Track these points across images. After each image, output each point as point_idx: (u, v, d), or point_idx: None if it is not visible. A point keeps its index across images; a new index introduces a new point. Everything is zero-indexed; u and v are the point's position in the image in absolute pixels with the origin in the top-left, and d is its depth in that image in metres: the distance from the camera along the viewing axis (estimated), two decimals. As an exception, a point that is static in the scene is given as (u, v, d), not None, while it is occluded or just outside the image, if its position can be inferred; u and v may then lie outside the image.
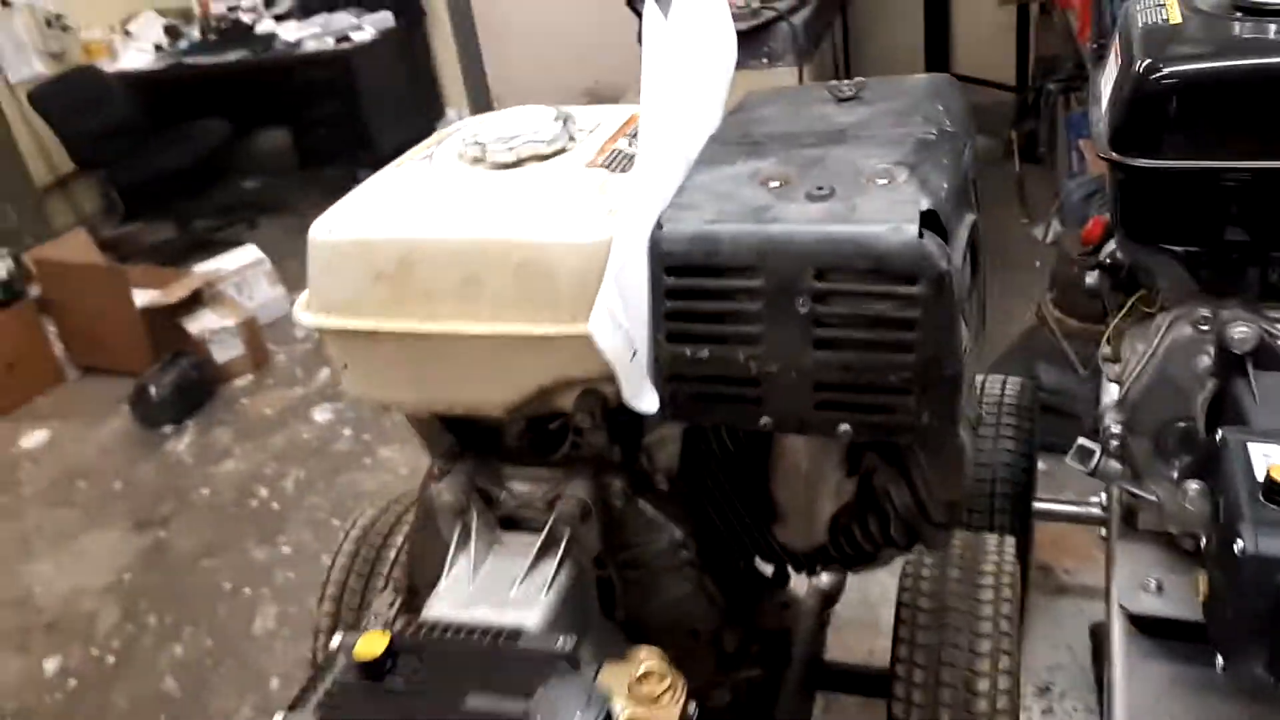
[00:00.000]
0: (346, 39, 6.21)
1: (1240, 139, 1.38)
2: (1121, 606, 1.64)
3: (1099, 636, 2.14)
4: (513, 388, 1.33)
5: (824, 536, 1.34)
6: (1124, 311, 1.71)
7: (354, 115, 6.09)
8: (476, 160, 1.39)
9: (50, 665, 2.97)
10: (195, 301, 4.55)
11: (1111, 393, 1.74)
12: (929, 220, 1.07)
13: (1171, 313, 1.55)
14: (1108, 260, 1.72)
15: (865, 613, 2.25)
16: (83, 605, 3.21)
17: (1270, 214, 1.43)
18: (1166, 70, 1.37)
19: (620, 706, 0.94)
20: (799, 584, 1.73)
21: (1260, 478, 1.25)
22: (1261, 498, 1.23)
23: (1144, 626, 1.62)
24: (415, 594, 1.57)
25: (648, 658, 1.20)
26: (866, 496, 1.33)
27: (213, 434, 4.16)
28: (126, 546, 3.49)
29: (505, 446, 1.47)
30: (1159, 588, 1.63)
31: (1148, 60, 1.39)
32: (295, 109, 6.30)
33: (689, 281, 1.13)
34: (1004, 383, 2.21)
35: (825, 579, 1.78)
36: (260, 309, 4.79)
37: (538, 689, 1.12)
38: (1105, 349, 1.79)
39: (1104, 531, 1.98)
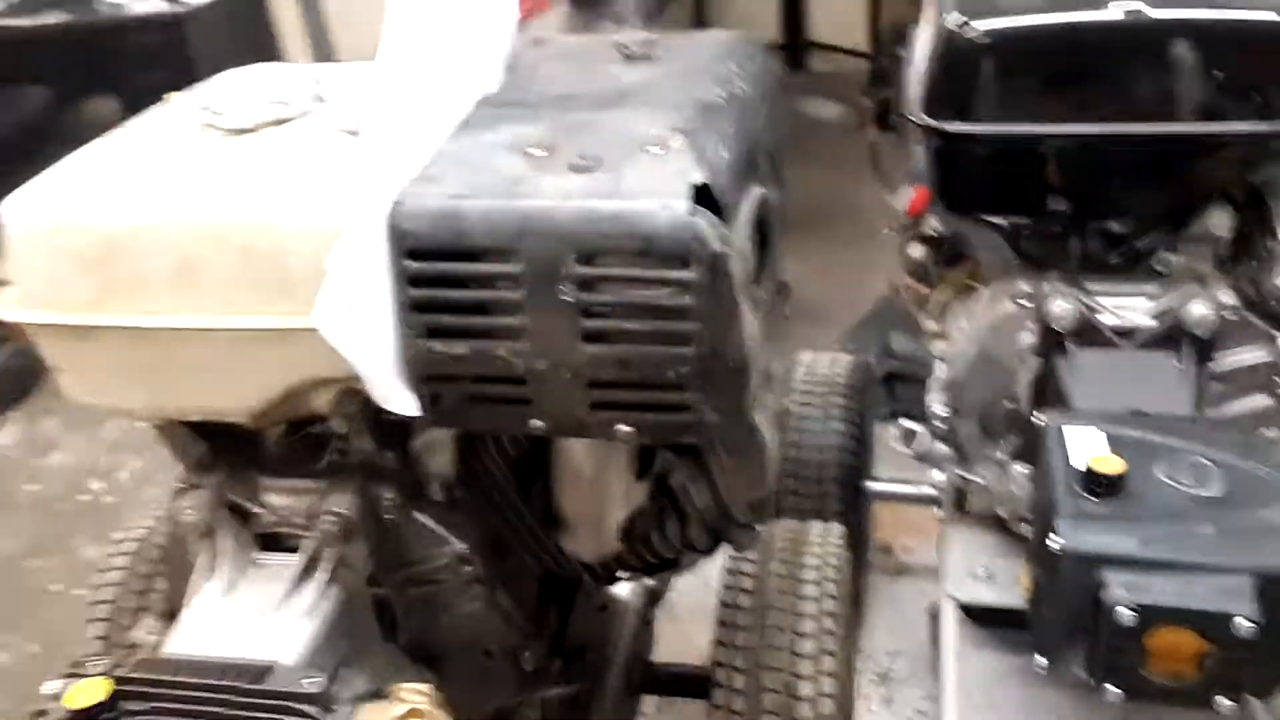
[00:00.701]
0: (179, 1, 5.81)
1: (1058, 101, 1.30)
2: (951, 593, 1.57)
3: (936, 618, 2.09)
4: (255, 390, 1.16)
5: (616, 545, 1.21)
6: (946, 284, 1.62)
7: (190, 83, 5.71)
8: (208, 126, 1.21)
9: None
10: (10, 285, 4.19)
11: (937, 371, 1.66)
12: (702, 196, 0.94)
13: (991, 286, 1.47)
14: (931, 233, 1.63)
15: (707, 598, 2.13)
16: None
17: (1088, 181, 1.35)
18: (980, 27, 1.27)
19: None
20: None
21: (1080, 465, 1.17)
22: (1080, 488, 1.15)
23: (974, 615, 1.55)
24: (175, 619, 1.39)
25: (410, 695, 1.06)
26: (663, 498, 1.21)
27: (39, 425, 3.85)
28: (-59, 550, 3.18)
29: (264, 456, 1.30)
30: (989, 575, 1.57)
31: (958, 15, 1.28)
32: (124, 76, 5.87)
33: (435, 266, 0.98)
34: (832, 360, 2.12)
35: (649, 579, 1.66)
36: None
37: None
38: (929, 324, 1.70)
39: (939, 511, 1.92)
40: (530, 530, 1.23)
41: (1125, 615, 1.06)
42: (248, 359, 1.12)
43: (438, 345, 1.00)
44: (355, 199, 1.01)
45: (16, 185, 1.19)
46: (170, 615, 1.40)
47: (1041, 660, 1.19)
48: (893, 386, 2.83)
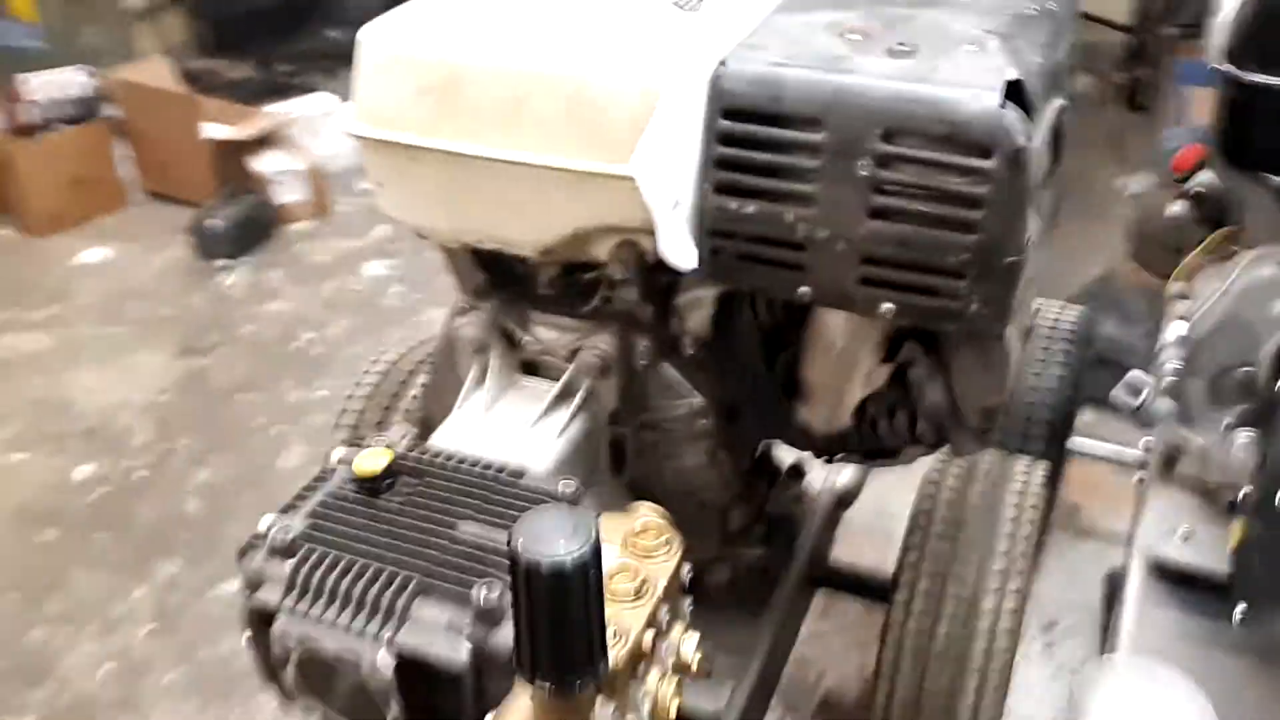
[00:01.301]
0: None
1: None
2: (1145, 549, 1.58)
3: (1114, 584, 2.08)
4: (548, 227, 1.28)
5: (848, 421, 1.28)
6: (1204, 246, 1.61)
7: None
8: (543, -16, 1.32)
9: (82, 471, 3.03)
10: (265, 142, 4.52)
11: (1175, 330, 1.65)
12: (1013, 92, 0.99)
13: (1255, 251, 1.45)
14: (1197, 190, 1.62)
15: (880, 523, 2.19)
16: (120, 419, 3.26)
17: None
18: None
19: (614, 551, 0.90)
20: (814, 482, 1.69)
21: (1321, 430, 1.18)
22: (1320, 450, 1.16)
23: (1164, 573, 1.56)
24: (428, 427, 1.55)
25: (648, 512, 1.17)
26: (900, 388, 1.27)
27: (266, 273, 4.16)
28: (169, 370, 3.52)
29: (536, 292, 1.43)
30: (1187, 536, 1.57)
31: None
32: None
33: (746, 128, 1.06)
34: (1062, 307, 2.12)
35: (842, 481, 1.73)
36: (328, 158, 4.74)
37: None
38: (1175, 285, 1.69)
39: (1139, 477, 1.91)
40: (769, 393, 1.32)
41: (1349, 575, 1.08)
42: (549, 197, 1.24)
43: (731, 202, 1.09)
44: (681, 63, 1.10)
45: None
46: (424, 422, 1.56)
47: (1239, 609, 1.21)
48: (1095, 371, 2.78)
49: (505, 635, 1.04)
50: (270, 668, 1.12)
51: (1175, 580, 1.56)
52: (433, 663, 1.04)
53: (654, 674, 1.08)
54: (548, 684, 0.88)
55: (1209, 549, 1.56)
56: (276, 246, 4.33)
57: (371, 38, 1.27)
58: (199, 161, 4.43)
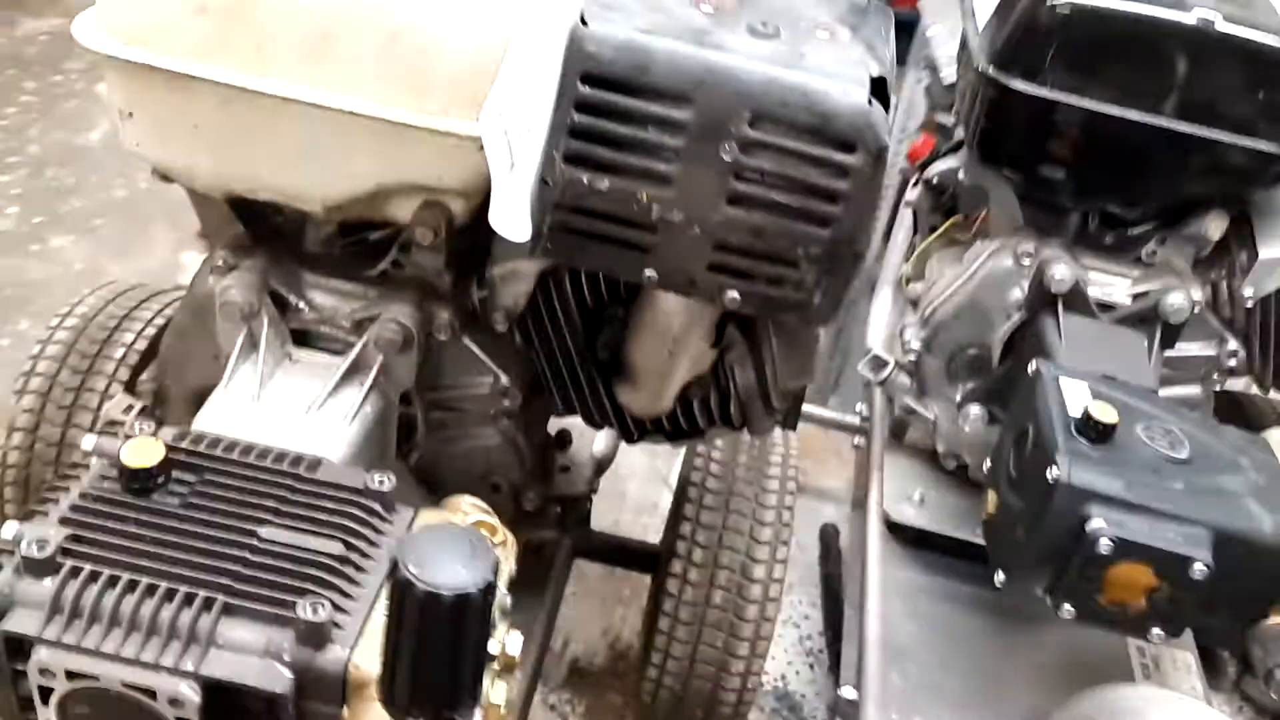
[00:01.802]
0: None
1: (1111, 82, 1.41)
2: (881, 512, 1.70)
3: (828, 538, 2.25)
4: (345, 181, 1.14)
5: (670, 405, 1.26)
6: (938, 233, 1.74)
7: None
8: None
9: None
10: None
11: (908, 312, 1.78)
12: (876, 88, 0.99)
13: (995, 241, 1.58)
14: (934, 179, 1.74)
15: (611, 485, 2.21)
16: None
17: (1111, 163, 1.48)
18: (1069, 0, 1.37)
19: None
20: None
21: (1075, 412, 1.31)
22: (1074, 431, 1.28)
23: (899, 534, 1.70)
24: (163, 402, 1.34)
25: (472, 509, 1.08)
26: (715, 371, 1.26)
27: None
28: None
29: (306, 250, 1.27)
30: (921, 500, 1.71)
31: (1048, -16, 1.38)
32: None
33: (607, 96, 0.99)
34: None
35: (599, 448, 1.71)
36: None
37: (363, 530, 0.97)
38: (908, 267, 1.82)
39: (858, 440, 2.06)
40: (586, 374, 1.26)
41: (1104, 545, 1.21)
42: (352, 148, 1.10)
43: (584, 175, 1.02)
44: (529, 14, 1.00)
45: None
46: (158, 395, 1.35)
47: (1000, 576, 1.33)
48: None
49: (333, 658, 0.91)
50: (22, 707, 0.92)
51: (909, 540, 1.70)
52: (249, 692, 0.90)
53: (486, 679, 1.00)
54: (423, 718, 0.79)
55: (939, 511, 1.72)
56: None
57: (130, -63, 1.05)
58: None
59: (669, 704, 1.61)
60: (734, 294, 1.06)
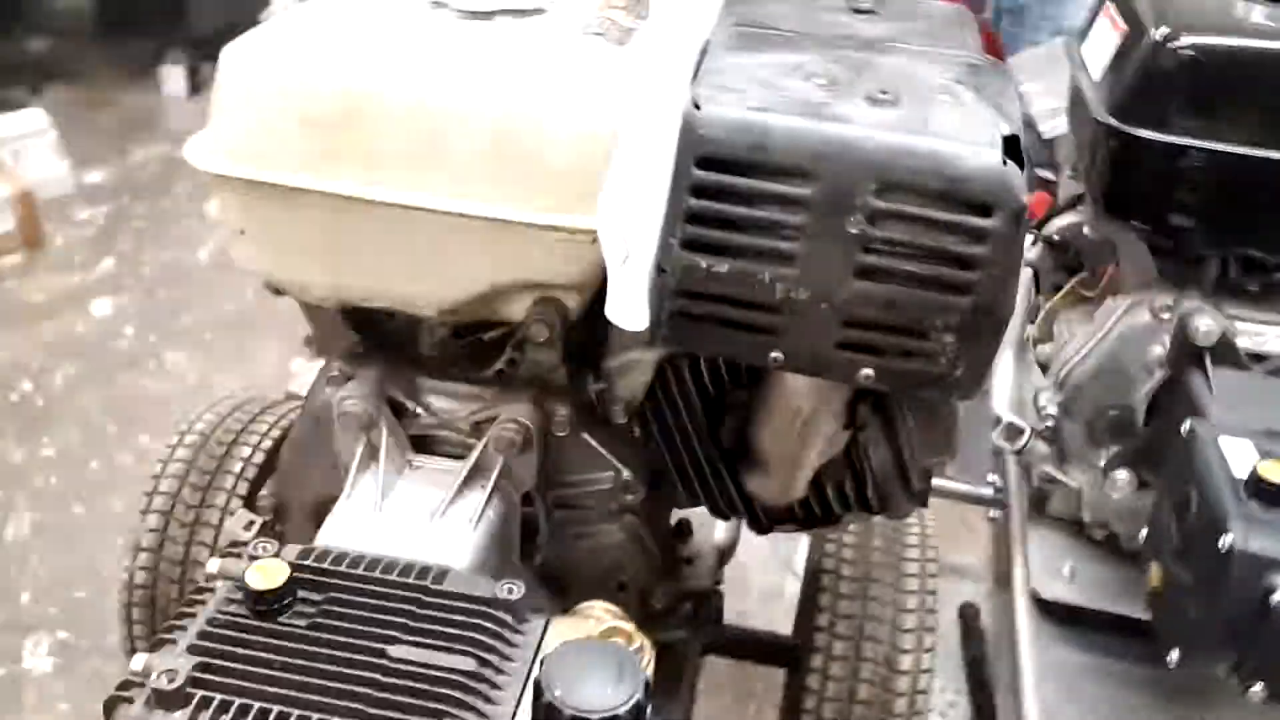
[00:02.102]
0: None
1: (1243, 123, 1.33)
2: (1033, 591, 1.60)
3: (968, 618, 2.13)
4: (459, 283, 1.12)
5: (802, 491, 1.20)
6: (1063, 293, 1.66)
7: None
8: (437, 4, 1.15)
9: None
10: (-40, 166, 3.95)
11: (1036, 375, 1.70)
12: (1009, 148, 0.94)
13: (1130, 298, 1.50)
14: (1054, 237, 1.66)
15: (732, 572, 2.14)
16: None
17: (1250, 206, 1.40)
18: (1187, 42, 1.30)
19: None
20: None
21: (1236, 473, 1.21)
22: (1244, 495, 1.18)
23: (1051, 612, 1.59)
24: (284, 516, 1.33)
25: (604, 614, 1.03)
26: (849, 453, 1.20)
27: (-31, 319, 3.63)
28: None
29: (421, 355, 1.25)
30: (1071, 575, 1.61)
31: (1166, 29, 1.31)
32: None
33: (723, 179, 0.95)
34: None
35: (720, 535, 1.65)
36: (39, 184, 4.20)
37: (500, 647, 0.93)
38: (1033, 329, 1.74)
39: (993, 513, 1.96)
40: (711, 464, 1.21)
41: (1294, 619, 1.10)
42: (464, 250, 1.08)
43: (702, 260, 0.98)
44: (634, 104, 0.98)
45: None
46: (278, 510, 1.33)
47: (1174, 655, 1.23)
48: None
49: (473, 783, 0.86)
50: None
51: (1061, 619, 1.59)
52: (388, 828, 0.85)
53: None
54: None
55: (1093, 585, 1.61)
56: (-24, 284, 3.79)
57: (241, 58, 1.06)
58: (-119, 193, 3.79)
59: (817, 806, 1.52)
60: (869, 371, 1.00)
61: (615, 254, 0.99)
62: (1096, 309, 1.57)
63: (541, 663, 0.74)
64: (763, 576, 2.31)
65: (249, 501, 1.49)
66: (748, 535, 1.88)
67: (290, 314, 1.38)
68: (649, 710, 0.71)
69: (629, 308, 1.03)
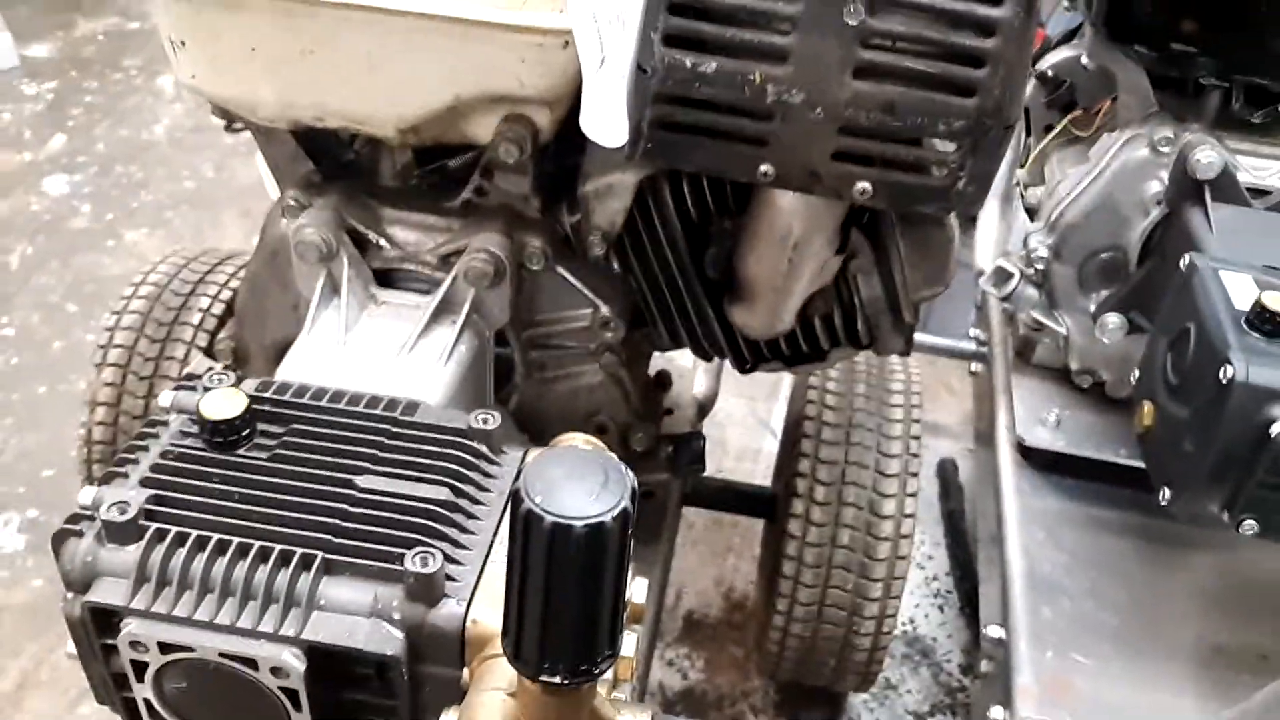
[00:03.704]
0: None
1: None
2: (1014, 437, 1.57)
3: (947, 473, 2.12)
4: (418, 96, 1.03)
5: (791, 323, 1.14)
6: (1056, 131, 1.59)
7: None
8: None
9: None
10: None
11: (1024, 220, 1.64)
12: (1021, -72, 0.86)
13: (1126, 131, 1.43)
14: (1048, 73, 1.58)
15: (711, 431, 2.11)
16: None
17: (1257, 30, 1.32)
18: None
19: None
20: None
21: (1241, 306, 1.16)
22: (1245, 326, 1.14)
23: (1036, 460, 1.56)
24: (244, 360, 1.26)
25: (588, 446, 0.97)
26: (837, 283, 1.14)
27: (-84, 199, 3.48)
28: None
29: (382, 184, 1.17)
30: (1057, 422, 1.57)
31: None
32: None
33: (709, -37, 0.86)
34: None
35: (700, 388, 1.60)
36: (-18, 54, 4.01)
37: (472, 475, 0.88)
38: (1022, 173, 1.67)
39: (975, 367, 1.92)
40: (693, 296, 1.14)
41: (1294, 449, 1.07)
42: (424, 58, 1.00)
43: (687, 58, 0.89)
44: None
45: None
46: (237, 354, 1.27)
47: (1166, 493, 1.20)
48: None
49: (448, 613, 0.82)
50: (116, 684, 0.84)
51: (1045, 467, 1.56)
52: (357, 657, 0.81)
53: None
54: (558, 677, 0.68)
55: (1077, 432, 1.58)
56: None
57: None
58: None
59: (797, 653, 1.51)
60: (864, 185, 0.93)
61: (590, 57, 0.91)
62: (1090, 148, 1.50)
63: (519, 473, 0.68)
64: (741, 435, 2.28)
65: (208, 350, 1.41)
66: (726, 396, 1.84)
67: (253, 191, 1.30)
68: (631, 523, 0.65)
69: (606, 119, 0.95)
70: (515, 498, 0.65)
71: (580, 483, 0.65)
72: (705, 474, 1.50)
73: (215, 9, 0.99)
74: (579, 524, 0.63)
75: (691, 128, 0.93)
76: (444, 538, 0.85)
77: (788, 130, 0.91)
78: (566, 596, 0.66)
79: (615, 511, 0.64)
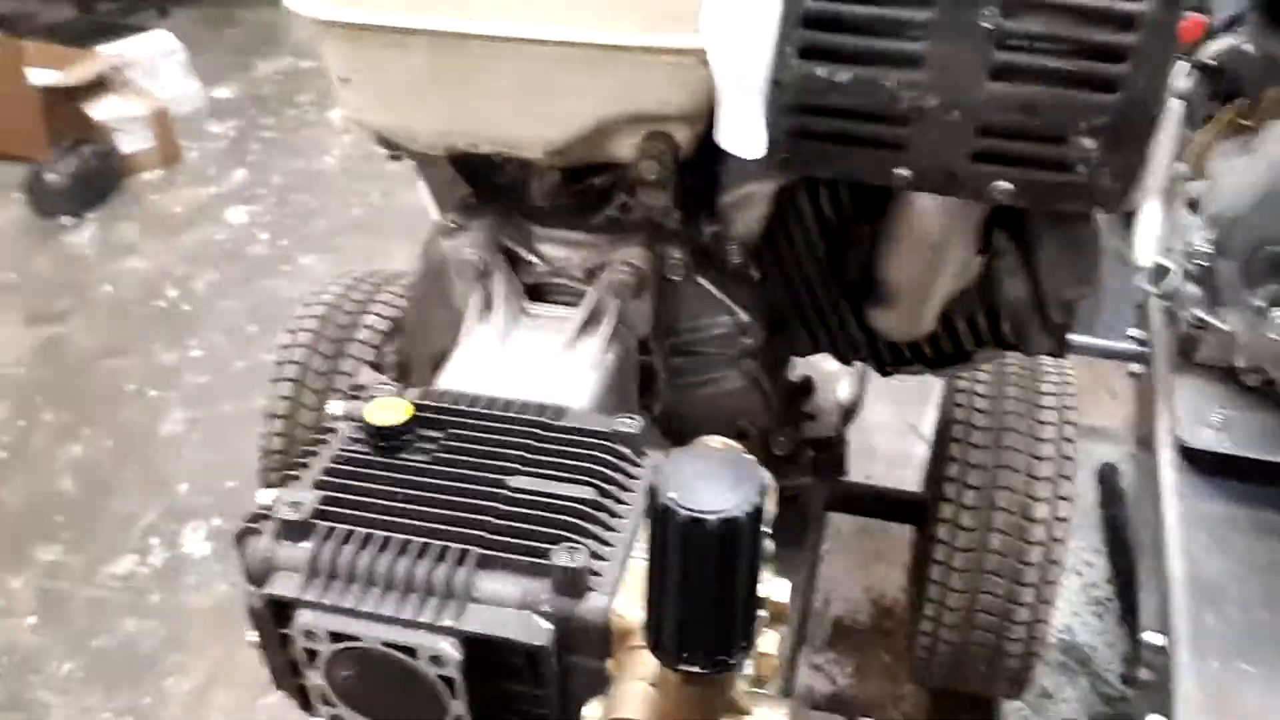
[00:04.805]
0: None
1: None
2: (1179, 440, 1.51)
3: (1108, 478, 2.04)
4: (564, 119, 1.08)
5: (932, 325, 1.14)
6: (1220, 122, 1.52)
7: None
8: None
9: (-69, 462, 2.66)
10: (100, 87, 4.08)
11: (1185, 215, 1.57)
12: (1160, -80, 0.84)
13: (1292, 119, 1.37)
14: (1210, 62, 1.52)
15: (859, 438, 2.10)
16: (-34, 401, 2.89)
17: None
18: None
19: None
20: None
21: None
22: None
23: (1200, 463, 1.50)
24: (408, 372, 1.34)
25: (727, 449, 1.00)
26: (981, 284, 1.13)
27: (117, 229, 3.81)
28: (19, 340, 3.15)
29: (533, 204, 1.22)
30: (1223, 423, 1.51)
31: None
32: None
33: (840, -25, 0.88)
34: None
35: (845, 393, 1.60)
36: (173, 100, 4.33)
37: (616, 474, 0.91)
38: (1183, 166, 1.61)
39: (1135, 368, 1.86)
40: (832, 300, 1.16)
41: None
42: (567, 82, 1.04)
43: (821, 69, 0.91)
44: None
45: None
46: (401, 368, 1.34)
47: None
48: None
49: (594, 606, 0.86)
50: (292, 671, 0.91)
51: (1210, 470, 1.50)
52: (508, 647, 0.85)
53: (752, 629, 0.92)
54: (696, 666, 0.71)
55: (1246, 434, 1.51)
56: (125, 199, 4.00)
57: (334, -105, 1.03)
58: (27, 113, 3.99)
59: (947, 660, 1.49)
60: (1004, 185, 0.93)
61: (726, 72, 0.94)
62: (1254, 139, 1.44)
63: (651, 471, 0.71)
64: (890, 441, 2.26)
65: (375, 365, 1.51)
66: (874, 401, 1.83)
67: (418, 216, 1.38)
68: (761, 519, 0.68)
69: (743, 132, 0.98)
70: (652, 494, 0.68)
71: (713, 479, 0.68)
72: (854, 480, 1.50)
73: (377, 46, 1.06)
74: (712, 518, 0.66)
75: (827, 136, 0.95)
76: (589, 534, 0.89)
77: (924, 134, 0.92)
78: (701, 588, 0.69)
79: (747, 506, 0.66)
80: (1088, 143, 0.89)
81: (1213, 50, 1.53)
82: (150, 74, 4.36)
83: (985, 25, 0.87)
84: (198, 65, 4.52)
